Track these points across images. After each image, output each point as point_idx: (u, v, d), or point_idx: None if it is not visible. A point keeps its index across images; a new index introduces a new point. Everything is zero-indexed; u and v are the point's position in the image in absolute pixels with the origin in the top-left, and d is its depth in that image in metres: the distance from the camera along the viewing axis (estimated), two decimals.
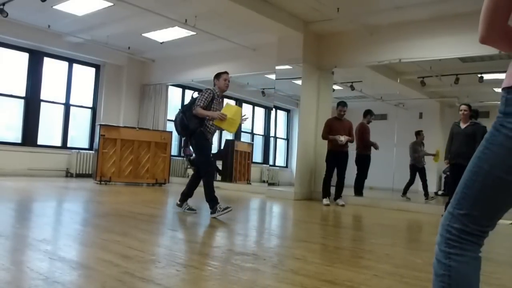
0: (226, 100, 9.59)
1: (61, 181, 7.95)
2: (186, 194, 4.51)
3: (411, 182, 8.18)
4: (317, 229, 4.41)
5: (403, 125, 8.19)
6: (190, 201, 4.57)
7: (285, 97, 9.35)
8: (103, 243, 2.79)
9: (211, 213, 4.21)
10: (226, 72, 4.48)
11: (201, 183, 4.36)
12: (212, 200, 4.21)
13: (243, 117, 4.50)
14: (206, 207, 4.32)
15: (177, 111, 4.53)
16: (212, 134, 4.44)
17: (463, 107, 5.68)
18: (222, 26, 7.58)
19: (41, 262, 2.19)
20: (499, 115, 1.01)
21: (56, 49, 9.00)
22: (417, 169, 8.17)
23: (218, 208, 4.16)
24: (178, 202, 4.56)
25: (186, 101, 4.53)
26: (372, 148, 7.32)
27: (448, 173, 6.55)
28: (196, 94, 4.38)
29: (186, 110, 4.31)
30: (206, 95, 4.26)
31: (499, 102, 1.07)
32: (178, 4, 6.68)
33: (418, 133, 8.32)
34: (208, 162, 4.41)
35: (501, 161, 1.01)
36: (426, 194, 8.20)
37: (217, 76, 4.46)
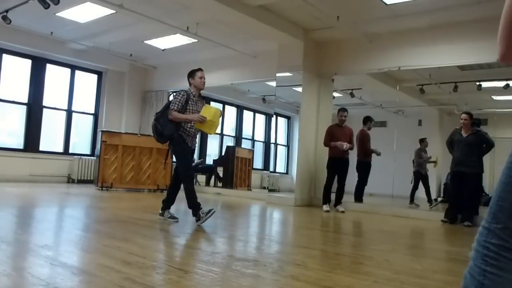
0: (212, 103, 9.62)
1: (62, 187, 7.96)
2: (167, 201, 4.25)
3: (415, 188, 8.28)
4: (317, 235, 4.42)
5: (403, 132, 8.18)
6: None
7: (285, 104, 9.39)
8: (104, 249, 2.80)
9: (196, 220, 4.04)
10: (200, 69, 4.20)
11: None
12: (194, 206, 4.05)
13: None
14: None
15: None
16: (193, 137, 4.21)
17: (463, 116, 5.60)
18: (223, 33, 7.64)
19: (42, 268, 2.20)
20: None
21: (59, 55, 9.07)
22: (420, 175, 8.28)
23: (201, 214, 4.00)
24: (160, 211, 4.27)
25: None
26: (373, 155, 7.34)
27: None
28: (172, 97, 4.15)
29: (159, 116, 4.11)
30: (179, 98, 4.06)
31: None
32: (179, 12, 6.74)
33: (422, 140, 8.50)
34: (188, 168, 4.18)
35: None
36: (429, 200, 8.29)
37: (191, 74, 4.19)
